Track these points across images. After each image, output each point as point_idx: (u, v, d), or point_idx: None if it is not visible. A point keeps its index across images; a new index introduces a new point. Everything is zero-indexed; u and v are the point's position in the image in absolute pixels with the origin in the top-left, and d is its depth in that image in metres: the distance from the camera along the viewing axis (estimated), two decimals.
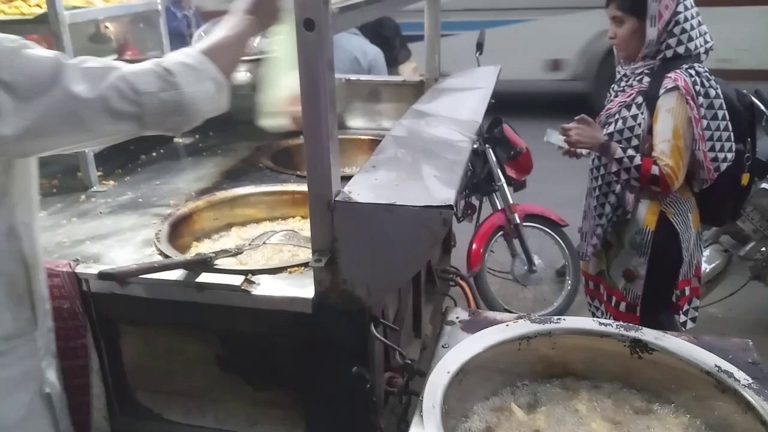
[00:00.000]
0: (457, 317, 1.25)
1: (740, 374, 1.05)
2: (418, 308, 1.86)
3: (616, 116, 2.02)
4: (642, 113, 1.96)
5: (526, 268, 3.41)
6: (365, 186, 1.20)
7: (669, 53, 1.91)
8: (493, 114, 3.40)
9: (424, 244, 1.16)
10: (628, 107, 1.99)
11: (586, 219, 2.24)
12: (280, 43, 1.52)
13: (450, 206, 1.11)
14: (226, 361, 1.39)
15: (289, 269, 1.35)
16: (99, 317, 1.38)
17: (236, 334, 1.35)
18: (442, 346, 1.15)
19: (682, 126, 1.88)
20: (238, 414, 1.43)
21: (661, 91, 1.90)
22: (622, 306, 2.14)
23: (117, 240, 1.54)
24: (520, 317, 1.22)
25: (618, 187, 2.03)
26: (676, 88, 1.86)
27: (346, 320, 1.22)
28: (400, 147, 1.46)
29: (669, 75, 1.89)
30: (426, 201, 1.12)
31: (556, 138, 2.17)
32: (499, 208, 3.41)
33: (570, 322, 1.20)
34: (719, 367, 1.06)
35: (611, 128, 2.00)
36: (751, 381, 1.03)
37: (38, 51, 1.01)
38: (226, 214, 1.76)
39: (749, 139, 2.06)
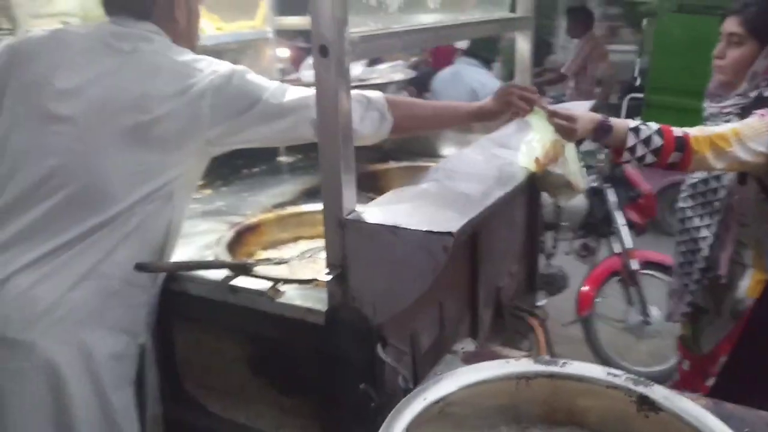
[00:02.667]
0: (462, 348, 1.23)
1: None
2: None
3: None
4: None
5: (641, 318, 3.17)
6: (381, 207, 1.23)
7: (767, 92, 1.67)
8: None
9: (425, 268, 1.16)
10: None
11: (674, 276, 2.03)
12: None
13: (450, 234, 1.10)
14: (256, 363, 1.47)
15: (316, 282, 1.41)
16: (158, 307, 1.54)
17: (264, 339, 1.43)
18: (434, 374, 1.14)
19: (753, 130, 1.56)
20: (266, 416, 1.50)
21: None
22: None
23: (185, 241, 1.70)
24: (526, 356, 1.17)
25: (706, 247, 1.82)
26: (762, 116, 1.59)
27: (354, 337, 1.25)
28: (442, 174, 1.47)
29: (757, 111, 1.62)
30: (429, 226, 1.13)
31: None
32: (617, 251, 3.22)
33: (575, 367, 1.12)
34: None
35: (695, 176, 1.81)
36: None
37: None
38: (294, 228, 1.86)
39: None
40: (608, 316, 3.31)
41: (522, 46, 1.99)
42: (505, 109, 1.58)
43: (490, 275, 1.88)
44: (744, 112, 1.70)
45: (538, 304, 2.96)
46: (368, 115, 1.38)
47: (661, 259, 3.21)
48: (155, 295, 1.46)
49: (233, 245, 1.68)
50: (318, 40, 1.10)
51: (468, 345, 1.24)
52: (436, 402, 1.05)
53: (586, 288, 3.25)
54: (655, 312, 3.16)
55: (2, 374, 1.30)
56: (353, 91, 1.33)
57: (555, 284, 3.27)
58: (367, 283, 1.21)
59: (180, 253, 1.63)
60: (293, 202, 2.00)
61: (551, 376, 1.12)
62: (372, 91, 1.44)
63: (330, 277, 1.21)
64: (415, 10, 1.39)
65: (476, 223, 1.26)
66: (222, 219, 1.86)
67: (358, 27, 1.17)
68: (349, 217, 1.18)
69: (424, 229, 1.12)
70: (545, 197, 2.44)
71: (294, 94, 1.35)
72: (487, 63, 3.49)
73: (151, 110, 1.28)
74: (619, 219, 3.15)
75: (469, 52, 3.39)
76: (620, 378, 1.08)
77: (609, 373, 1.10)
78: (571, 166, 1.70)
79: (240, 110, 1.32)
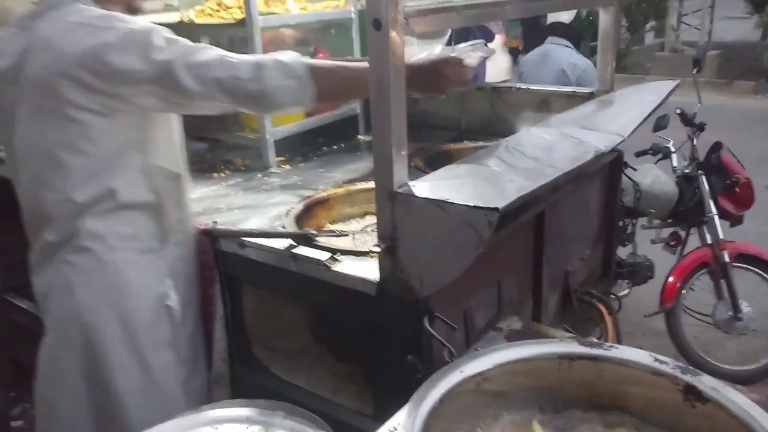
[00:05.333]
0: (507, 325, 1.22)
1: None
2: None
3: None
4: None
5: (730, 313, 2.99)
6: (431, 182, 1.25)
7: None
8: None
9: (470, 243, 1.17)
10: None
11: None
12: None
13: (495, 209, 1.10)
14: (316, 329, 1.53)
15: (371, 253, 1.44)
16: (226, 273, 1.63)
17: (322, 307, 1.49)
18: (475, 349, 1.15)
19: None
20: (324, 381, 1.56)
21: None
22: None
23: (258, 211, 1.79)
24: (572, 337, 1.15)
25: None
26: None
27: (402, 308, 1.28)
28: (503, 150, 1.45)
29: None
30: (475, 201, 1.13)
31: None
32: (708, 242, 3.05)
33: (621, 351, 1.10)
34: None
35: None
36: None
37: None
38: (362, 203, 1.90)
39: None
40: (695, 310, 3.15)
41: (605, 22, 1.92)
42: (435, 88, 1.53)
43: (557, 258, 1.85)
44: None
45: (621, 294, 2.86)
46: (286, 83, 1.35)
47: (757, 252, 3.01)
48: (182, 258, 1.55)
49: (302, 217, 1.74)
50: (371, 14, 1.12)
51: (514, 323, 1.24)
52: (473, 376, 1.06)
53: (672, 279, 3.10)
54: (747, 308, 2.97)
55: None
56: (268, 55, 1.37)
57: (640, 274, 3.15)
58: (415, 256, 1.23)
59: (252, 223, 1.72)
60: (364, 178, 2.04)
61: (595, 358, 1.10)
62: (289, 54, 1.40)
63: (380, 248, 1.24)
64: None
65: (538, 203, 1.24)
66: (296, 192, 1.93)
67: (417, 1, 1.18)
68: (399, 190, 1.20)
69: (471, 204, 1.12)
70: (625, 182, 2.35)
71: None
72: (577, 43, 3.37)
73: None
74: (712, 208, 2.98)
75: (559, 32, 3.29)
76: (668, 365, 1.05)
77: (656, 360, 1.07)
78: None
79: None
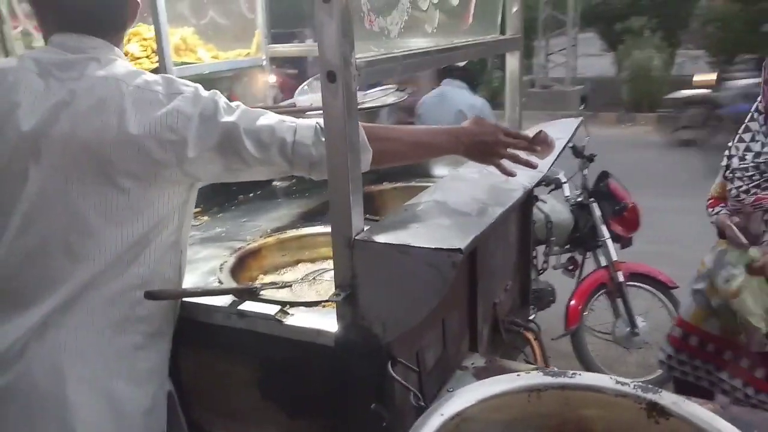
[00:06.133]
0: (472, 363, 1.25)
1: None
2: None
3: None
4: None
5: (628, 329, 3.24)
6: (387, 227, 1.26)
7: None
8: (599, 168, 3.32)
9: (434, 285, 1.19)
10: None
11: None
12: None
13: (459, 250, 1.13)
14: (265, 386, 1.48)
15: (323, 303, 1.42)
16: None
17: (273, 362, 1.44)
18: (447, 390, 1.16)
19: None
20: None
21: None
22: None
23: (188, 268, 1.71)
24: (536, 369, 1.19)
25: None
26: None
27: (364, 357, 1.27)
28: (443, 191, 1.50)
29: None
30: (438, 244, 1.15)
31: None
32: (603, 264, 3.28)
33: (585, 378, 1.16)
34: None
35: None
36: None
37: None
38: (295, 251, 1.88)
39: None
40: (596, 329, 3.37)
41: (512, 65, 2.05)
42: (487, 163, 1.46)
43: (487, 291, 1.91)
44: None
45: (530, 318, 3.00)
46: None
47: (647, 270, 3.28)
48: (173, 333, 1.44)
49: (235, 270, 1.69)
50: (325, 66, 1.13)
51: (477, 360, 1.27)
52: (452, 418, 1.07)
53: (574, 302, 3.30)
54: (642, 323, 3.22)
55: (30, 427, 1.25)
56: (315, 121, 1.31)
57: (543, 299, 3.33)
58: (377, 302, 1.23)
59: (186, 280, 1.64)
60: (292, 225, 2.01)
61: (562, 387, 1.15)
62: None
63: (340, 297, 1.22)
64: (414, 35, 1.43)
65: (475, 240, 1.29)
66: (223, 245, 1.87)
67: (362, 53, 1.21)
68: (357, 237, 1.21)
69: (433, 247, 1.15)
70: (536, 213, 2.49)
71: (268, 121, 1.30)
72: (472, 84, 3.56)
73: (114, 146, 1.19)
74: (605, 232, 3.22)
75: (455, 74, 3.46)
76: (629, 386, 1.12)
77: (618, 382, 1.13)
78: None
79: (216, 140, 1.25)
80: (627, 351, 3.28)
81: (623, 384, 1.13)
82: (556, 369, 1.18)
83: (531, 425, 1.15)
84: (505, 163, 1.42)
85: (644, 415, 1.09)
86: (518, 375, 1.17)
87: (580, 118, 2.16)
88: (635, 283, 3.25)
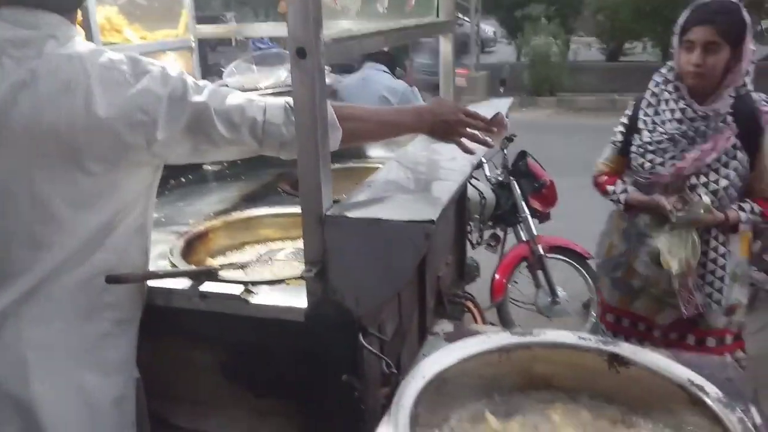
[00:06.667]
0: (442, 329, 1.30)
1: (711, 388, 1.06)
2: (424, 330, 1.90)
3: (719, 165, 1.98)
4: (743, 155, 1.97)
5: (549, 299, 3.42)
6: (356, 202, 1.28)
7: (743, 90, 1.95)
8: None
9: (407, 257, 1.23)
10: (730, 153, 1.96)
11: None
12: None
13: (432, 221, 1.18)
14: (229, 368, 1.46)
15: (287, 281, 1.43)
16: None
17: (238, 343, 1.43)
18: (423, 355, 1.21)
19: None
20: (241, 421, 1.49)
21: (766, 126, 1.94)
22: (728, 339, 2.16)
23: None
24: (502, 330, 1.26)
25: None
26: None
27: (336, 330, 1.29)
28: (398, 169, 1.54)
29: (761, 108, 1.93)
30: (409, 216, 1.19)
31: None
32: (524, 239, 3.44)
33: (550, 335, 1.24)
34: (691, 381, 1.08)
35: (723, 182, 1.97)
36: (720, 395, 1.05)
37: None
38: (241, 233, 1.86)
39: None
40: (520, 300, 3.54)
41: (445, 48, 2.11)
42: (448, 141, 1.47)
43: (434, 266, 1.98)
44: (736, 110, 1.96)
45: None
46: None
47: (565, 243, 3.48)
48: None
49: (184, 254, 1.65)
50: (295, 43, 1.13)
51: (446, 326, 1.32)
52: (433, 380, 1.12)
53: (498, 276, 3.45)
54: (562, 293, 3.42)
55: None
56: (284, 100, 1.30)
57: (469, 274, 3.45)
58: (348, 277, 1.25)
59: None
60: (233, 208, 1.99)
61: (528, 346, 1.22)
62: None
63: (312, 273, 1.24)
64: (368, 15, 1.45)
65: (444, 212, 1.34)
66: (166, 229, 1.82)
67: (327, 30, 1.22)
68: (329, 213, 1.22)
69: (406, 219, 1.18)
70: (470, 191, 2.58)
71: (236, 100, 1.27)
72: (392, 67, 3.60)
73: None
74: (525, 209, 3.38)
75: (376, 58, 3.48)
76: (591, 341, 1.21)
77: (581, 338, 1.22)
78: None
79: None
80: (549, 320, 3.47)
81: (586, 339, 1.22)
82: (521, 329, 1.26)
83: (502, 382, 1.21)
84: (464, 141, 1.47)
85: (606, 365, 1.18)
86: (488, 336, 1.24)
87: (511, 98, 2.25)
88: (555, 256, 3.44)
